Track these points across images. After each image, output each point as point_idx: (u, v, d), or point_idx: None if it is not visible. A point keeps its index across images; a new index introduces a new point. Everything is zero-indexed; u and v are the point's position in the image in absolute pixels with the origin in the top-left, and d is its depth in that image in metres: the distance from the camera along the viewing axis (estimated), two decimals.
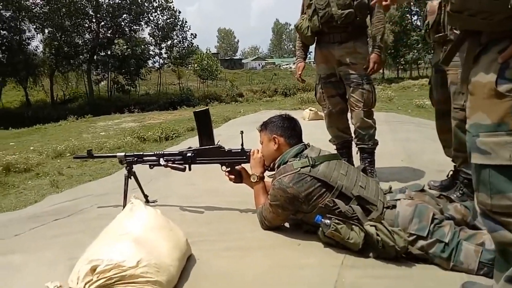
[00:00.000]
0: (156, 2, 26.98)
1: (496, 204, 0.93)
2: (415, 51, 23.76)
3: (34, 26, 23.98)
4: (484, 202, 0.96)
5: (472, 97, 0.98)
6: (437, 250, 1.47)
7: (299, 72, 2.86)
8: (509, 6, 0.82)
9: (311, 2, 2.55)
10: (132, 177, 2.21)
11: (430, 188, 2.40)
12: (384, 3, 1.27)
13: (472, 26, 0.98)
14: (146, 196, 2.33)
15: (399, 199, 1.66)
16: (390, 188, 1.86)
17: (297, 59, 2.92)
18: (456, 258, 1.43)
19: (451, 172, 2.40)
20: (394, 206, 1.64)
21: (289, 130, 1.89)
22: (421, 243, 1.51)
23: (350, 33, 2.52)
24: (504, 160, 0.90)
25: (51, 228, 2.10)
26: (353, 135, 2.74)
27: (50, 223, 2.18)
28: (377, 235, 1.50)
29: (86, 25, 25.85)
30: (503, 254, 0.98)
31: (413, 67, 28.04)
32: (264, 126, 1.96)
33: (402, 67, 28.72)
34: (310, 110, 6.46)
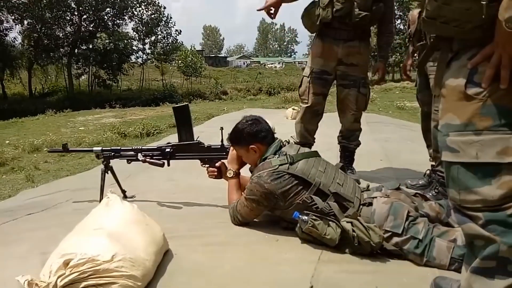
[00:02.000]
0: None
1: (464, 199, 0.98)
2: (398, 54, 24.18)
3: (13, 17, 23.25)
4: (454, 197, 1.01)
5: (444, 100, 1.04)
6: (411, 246, 1.51)
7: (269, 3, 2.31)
8: (483, 16, 0.87)
9: None
10: (109, 172, 2.17)
11: (407, 187, 2.45)
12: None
13: (445, 33, 1.03)
14: (123, 191, 2.29)
15: (375, 197, 1.69)
16: (368, 186, 1.89)
17: None
18: (429, 254, 1.47)
19: (428, 172, 2.46)
20: (370, 204, 1.67)
21: (261, 132, 1.86)
22: (396, 239, 1.54)
23: (357, 33, 2.47)
24: (471, 157, 0.95)
25: (24, 222, 2.05)
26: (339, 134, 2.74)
27: (23, 217, 2.12)
28: (353, 231, 1.52)
29: (68, 18, 25.25)
30: (470, 246, 1.03)
31: (395, 69, 28.57)
32: (236, 140, 1.91)
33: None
34: (293, 109, 6.51)
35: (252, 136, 1.84)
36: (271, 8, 2.34)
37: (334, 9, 2.39)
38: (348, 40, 2.46)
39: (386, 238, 1.55)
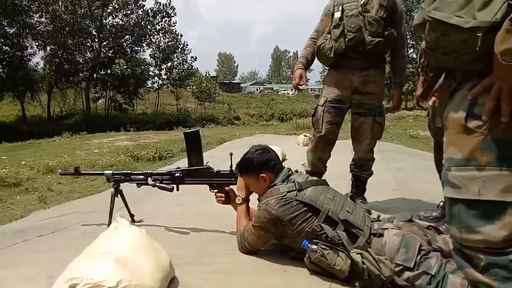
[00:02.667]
0: (159, 26, 27.55)
1: (465, 238, 0.94)
2: (411, 82, 24.19)
3: (37, 43, 24.31)
4: (455, 235, 0.98)
5: (447, 132, 1.01)
6: (423, 282, 1.45)
7: (297, 78, 2.60)
8: (477, 48, 0.86)
9: (340, 22, 2.45)
10: (119, 195, 2.19)
11: (420, 219, 2.38)
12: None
13: (444, 64, 1.02)
14: (132, 216, 2.30)
15: (386, 228, 1.65)
16: (379, 216, 1.86)
17: (297, 65, 2.68)
18: None
19: (441, 203, 2.40)
20: (381, 235, 1.63)
21: (271, 161, 1.87)
22: (407, 274, 1.48)
23: (372, 61, 2.48)
24: (473, 194, 0.91)
25: (34, 244, 2.06)
26: (351, 162, 2.72)
27: (34, 239, 2.14)
28: (363, 263, 1.48)
29: (88, 44, 26.24)
30: None
31: (408, 98, 28.53)
32: (246, 169, 1.90)
33: None
34: (305, 135, 6.52)
35: (263, 165, 1.84)
36: (301, 79, 2.61)
37: (347, 39, 2.43)
38: (364, 69, 2.48)
39: (397, 272, 1.49)
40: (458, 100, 0.97)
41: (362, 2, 2.41)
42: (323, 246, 1.56)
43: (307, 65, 2.69)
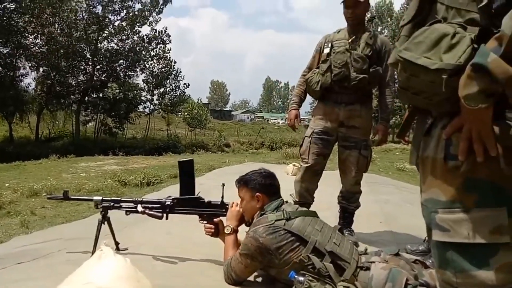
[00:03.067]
0: (153, 52, 27.92)
1: (462, 282, 0.90)
2: (398, 116, 24.73)
3: (30, 64, 24.30)
4: (449, 280, 0.92)
5: (424, 171, 0.98)
6: None
7: (293, 119, 2.75)
8: (443, 90, 0.86)
9: (327, 58, 2.56)
10: (106, 222, 2.15)
11: (407, 252, 2.39)
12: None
13: (416, 103, 1.03)
14: (117, 243, 2.25)
15: (373, 262, 1.67)
16: (366, 249, 1.87)
17: (291, 105, 2.83)
18: None
19: (427, 237, 2.41)
20: (368, 268, 1.64)
21: (271, 187, 1.92)
22: None
23: (358, 96, 2.55)
24: (463, 237, 0.87)
25: (12, 272, 1.99)
26: (339, 194, 2.75)
27: (12, 267, 2.07)
28: None
29: (82, 67, 26.31)
30: None
31: (395, 131, 29.08)
32: (245, 183, 1.96)
33: None
34: (294, 165, 6.54)
35: (262, 186, 1.90)
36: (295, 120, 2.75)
37: (333, 74, 2.53)
38: (349, 103, 2.56)
39: None
40: (435, 139, 0.95)
41: (350, 40, 2.53)
42: (310, 278, 1.57)
43: (300, 104, 2.82)
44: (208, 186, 4.36)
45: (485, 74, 0.76)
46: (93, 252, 1.96)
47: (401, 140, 1.23)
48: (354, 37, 2.54)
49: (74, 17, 23.99)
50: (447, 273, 0.92)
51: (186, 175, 2.17)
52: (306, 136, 2.70)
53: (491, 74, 0.75)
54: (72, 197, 2.33)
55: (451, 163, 0.90)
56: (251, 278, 1.86)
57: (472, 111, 0.80)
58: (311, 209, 2.35)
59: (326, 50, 2.60)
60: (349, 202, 2.71)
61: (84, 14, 24.86)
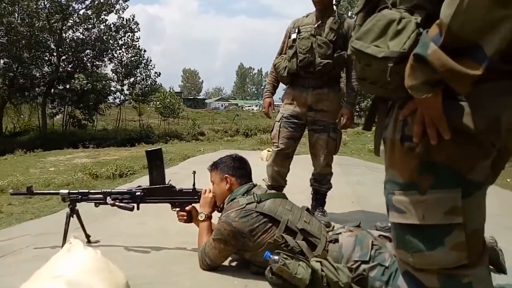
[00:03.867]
0: (121, 40, 27.05)
1: (418, 262, 0.91)
2: (369, 99, 25.31)
3: None
4: (406, 259, 0.94)
5: (387, 153, 0.98)
6: (377, 274, 1.56)
7: (267, 107, 2.83)
8: (388, 79, 0.85)
9: (293, 44, 2.58)
10: (74, 215, 2.10)
11: (377, 229, 2.47)
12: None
13: (374, 93, 1.02)
14: (88, 236, 2.21)
15: (340, 233, 1.77)
16: (333, 227, 1.97)
17: (265, 93, 2.89)
18: (394, 282, 1.51)
19: None
20: (336, 240, 1.73)
21: (240, 170, 1.95)
22: (363, 266, 1.59)
23: (324, 81, 2.58)
24: (418, 219, 0.88)
25: None
26: (311, 177, 2.80)
27: None
28: (322, 270, 1.54)
29: (46, 58, 25.15)
30: None
31: (366, 114, 29.68)
32: (215, 166, 1.99)
33: (357, 113, 30.38)
34: (268, 150, 6.57)
35: (231, 168, 1.94)
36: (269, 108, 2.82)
37: (298, 59, 2.55)
38: (317, 87, 2.59)
39: (355, 268, 1.60)
40: (393, 119, 0.94)
41: (316, 25, 2.54)
42: (284, 256, 1.60)
43: (274, 91, 2.87)
44: (182, 175, 4.33)
45: (426, 65, 0.75)
46: (62, 246, 1.91)
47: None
48: (320, 22, 2.55)
49: (35, 6, 22.79)
50: (404, 253, 0.94)
51: (155, 164, 2.14)
52: (276, 121, 2.75)
53: (432, 66, 0.74)
54: (37, 191, 2.25)
55: (407, 144, 0.89)
56: (225, 262, 1.88)
57: (422, 100, 0.79)
58: (285, 192, 2.39)
59: (293, 36, 2.62)
60: (320, 184, 2.77)
61: (46, 3, 23.64)
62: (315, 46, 2.51)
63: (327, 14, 2.56)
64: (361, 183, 4.30)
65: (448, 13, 0.71)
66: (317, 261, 1.58)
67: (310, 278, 1.55)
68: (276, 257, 1.60)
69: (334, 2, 2.66)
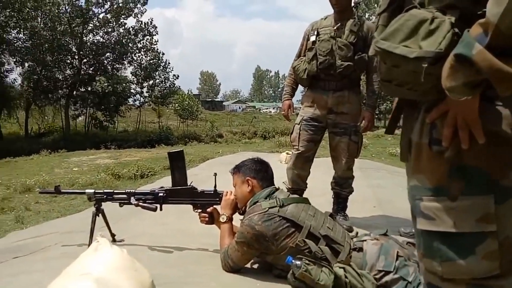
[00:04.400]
0: (140, 44, 27.57)
1: (447, 271, 0.87)
2: (389, 102, 24.91)
3: (14, 59, 23.85)
4: (434, 269, 0.89)
5: (412, 157, 0.94)
6: (399, 287, 1.52)
7: (286, 110, 2.81)
8: (422, 80, 0.80)
9: (313, 46, 2.57)
10: (100, 215, 2.15)
11: (400, 235, 2.43)
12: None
13: (400, 95, 0.97)
14: (113, 235, 2.26)
15: (365, 240, 1.73)
16: (357, 233, 1.93)
17: (284, 95, 2.87)
18: None
19: None
20: (360, 249, 1.69)
21: (261, 172, 1.95)
22: (386, 278, 1.56)
23: (345, 83, 2.56)
24: (448, 226, 0.84)
25: (10, 266, 1.99)
26: (332, 180, 2.78)
27: (9, 261, 2.07)
28: (346, 277, 1.52)
29: (68, 61, 25.94)
30: None
31: (387, 117, 29.32)
32: (237, 169, 2.00)
33: (376, 116, 29.99)
34: (287, 153, 6.55)
35: (253, 171, 1.94)
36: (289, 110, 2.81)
37: (318, 62, 2.54)
38: (337, 90, 2.57)
39: (378, 278, 1.56)
40: (419, 122, 0.91)
41: (335, 27, 2.52)
42: (307, 262, 1.59)
43: (293, 93, 2.85)
44: (202, 177, 4.36)
45: (470, 66, 0.71)
46: (89, 245, 1.96)
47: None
48: (339, 24, 2.54)
49: (57, 11, 23.57)
50: (433, 263, 0.89)
51: (177, 165, 2.17)
52: (296, 124, 2.73)
53: (476, 67, 0.70)
54: (64, 190, 2.32)
55: (435, 148, 0.86)
56: (248, 265, 1.88)
57: (458, 101, 0.76)
58: (305, 195, 2.38)
59: (312, 38, 2.61)
60: (342, 187, 2.74)
61: (67, 7, 24.39)
62: (335, 48, 2.50)
63: (346, 16, 2.54)
64: (382, 187, 4.24)
65: (496, 11, 0.67)
66: (340, 267, 1.56)
67: (333, 284, 1.54)
68: (298, 262, 1.59)
69: (353, 4, 2.64)
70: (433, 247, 0.88)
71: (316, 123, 2.64)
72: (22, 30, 22.92)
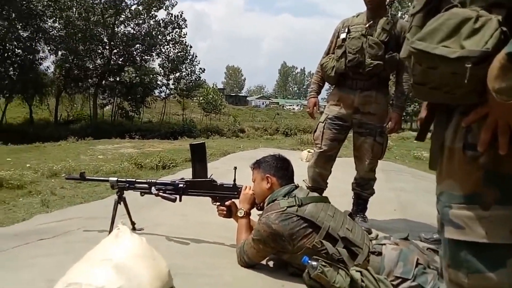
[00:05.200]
0: (169, 36, 27.94)
1: (473, 284, 0.83)
2: (416, 103, 24.27)
3: (49, 48, 24.68)
4: (460, 281, 0.85)
5: (443, 162, 0.90)
6: None
7: (311, 107, 2.77)
8: (466, 81, 0.76)
9: (342, 43, 2.53)
10: (122, 203, 2.20)
11: (421, 240, 2.38)
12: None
13: (435, 99, 0.92)
14: (133, 223, 2.31)
15: (384, 244, 1.69)
16: (377, 236, 1.89)
17: (310, 92, 2.84)
18: None
19: None
20: (379, 253, 1.66)
21: (282, 170, 1.93)
22: (404, 285, 1.53)
23: (373, 82, 2.51)
24: (479, 237, 0.80)
25: (34, 247, 2.07)
26: (354, 181, 2.74)
27: (34, 243, 2.15)
28: (362, 281, 1.49)
29: (99, 51, 26.60)
30: None
31: (413, 119, 28.58)
32: (257, 165, 1.99)
33: (403, 118, 29.24)
34: (308, 151, 6.51)
35: (273, 168, 1.92)
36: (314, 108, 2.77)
37: (347, 59, 2.49)
38: (364, 89, 2.52)
39: (395, 285, 1.53)
40: (453, 126, 0.87)
41: (367, 25, 2.46)
42: (323, 263, 1.57)
43: (319, 91, 2.81)
44: (222, 171, 4.39)
45: None
46: (110, 231, 2.02)
47: (418, 129, 1.09)
48: (371, 22, 2.48)
49: (91, 1, 24.18)
50: (459, 274, 0.85)
51: (198, 158, 2.19)
52: (320, 122, 2.70)
53: None
54: (89, 177, 2.39)
55: (470, 153, 0.82)
56: (263, 262, 1.89)
57: (504, 104, 0.71)
58: (325, 195, 2.35)
59: (342, 35, 2.56)
60: (363, 188, 2.70)
61: None
62: (365, 47, 2.45)
63: (379, 14, 2.48)
64: (404, 190, 4.14)
65: None
66: (357, 271, 1.54)
67: (349, 287, 1.52)
68: (314, 263, 1.58)
69: (387, 2, 2.57)
70: (460, 258, 0.84)
71: (341, 122, 2.60)
72: (57, 19, 23.67)
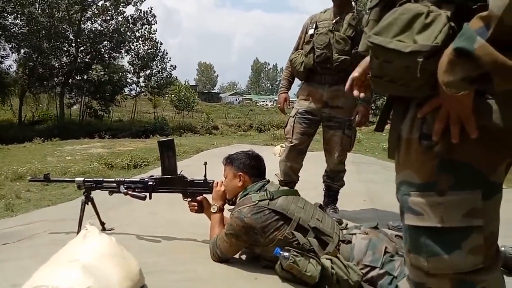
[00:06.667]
0: (138, 33, 27.28)
1: (433, 267, 0.88)
2: (385, 98, 24.96)
3: (10, 46, 23.54)
4: (421, 264, 0.90)
5: (401, 153, 0.94)
6: (385, 282, 1.55)
7: (282, 103, 2.85)
8: (418, 75, 0.79)
9: (310, 39, 2.57)
10: (89, 203, 2.15)
11: (389, 228, 2.46)
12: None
13: (392, 92, 0.95)
14: (102, 224, 2.26)
15: (354, 234, 1.75)
16: (346, 225, 1.95)
17: (280, 88, 2.90)
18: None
19: None
20: (349, 241, 1.72)
21: (254, 168, 1.95)
22: (372, 273, 1.59)
23: (341, 77, 2.53)
24: (436, 221, 0.85)
25: None
26: (324, 173, 2.79)
27: None
28: (332, 268, 1.54)
29: (65, 49, 25.60)
30: None
31: (380, 114, 29.30)
32: (230, 161, 1.99)
33: (372, 112, 30.01)
34: (281, 146, 6.56)
35: (246, 166, 1.93)
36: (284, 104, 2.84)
37: (315, 55, 2.54)
38: (333, 84, 2.57)
39: (364, 273, 1.59)
40: (409, 118, 0.90)
41: (334, 21, 2.51)
42: (294, 253, 1.61)
43: (289, 86, 2.87)
44: (194, 168, 4.35)
45: (470, 60, 0.70)
46: (77, 232, 1.97)
47: (387, 122, 1.13)
48: (338, 17, 2.53)
49: None
50: (419, 258, 0.89)
51: (167, 154, 2.16)
52: (290, 116, 2.74)
53: (478, 61, 0.69)
54: (54, 179, 2.31)
55: (425, 143, 0.86)
56: (236, 256, 1.90)
57: (453, 96, 0.75)
58: (297, 188, 2.39)
59: (310, 31, 2.61)
60: (333, 180, 2.76)
61: None
62: (332, 42, 2.50)
63: (346, 10, 2.54)
64: (374, 181, 4.27)
65: (500, 4, 0.66)
66: (327, 259, 1.58)
67: (319, 275, 1.56)
68: (286, 254, 1.61)
69: None
70: (420, 243, 0.88)
71: (310, 116, 2.65)
72: (19, 15, 22.56)
